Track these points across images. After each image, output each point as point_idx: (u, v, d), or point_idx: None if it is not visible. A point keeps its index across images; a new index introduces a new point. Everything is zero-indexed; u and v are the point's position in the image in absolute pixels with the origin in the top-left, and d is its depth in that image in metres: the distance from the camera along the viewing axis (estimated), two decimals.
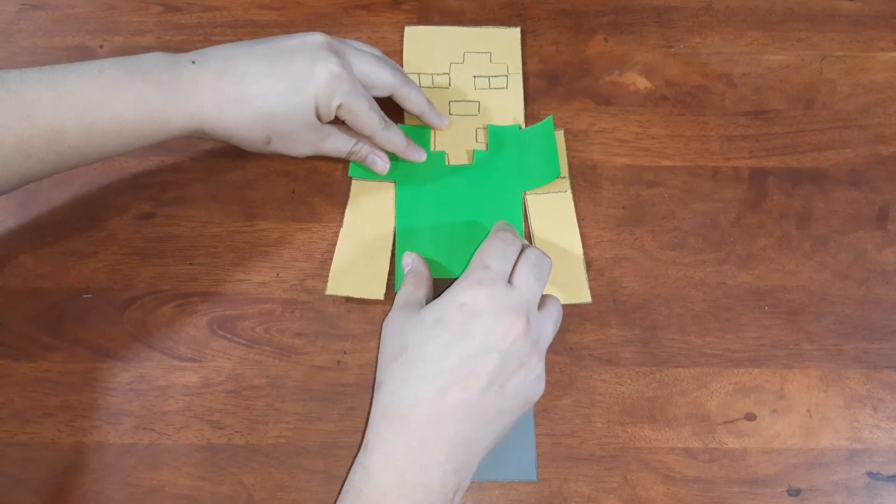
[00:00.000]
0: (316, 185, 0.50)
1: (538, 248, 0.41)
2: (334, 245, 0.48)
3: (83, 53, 0.54)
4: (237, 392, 0.44)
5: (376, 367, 0.40)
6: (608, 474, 0.43)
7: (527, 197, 0.49)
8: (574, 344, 0.46)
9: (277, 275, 0.47)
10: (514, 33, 0.55)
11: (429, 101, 0.50)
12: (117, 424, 0.44)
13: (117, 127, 0.41)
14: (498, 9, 0.56)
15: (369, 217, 0.49)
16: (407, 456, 0.35)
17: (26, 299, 0.46)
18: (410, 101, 0.49)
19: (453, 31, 0.55)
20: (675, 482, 0.43)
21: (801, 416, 0.45)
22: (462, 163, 0.51)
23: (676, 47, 0.55)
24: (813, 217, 0.50)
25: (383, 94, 0.47)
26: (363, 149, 0.48)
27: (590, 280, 0.47)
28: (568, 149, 0.51)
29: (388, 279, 0.47)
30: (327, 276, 0.46)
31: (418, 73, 0.53)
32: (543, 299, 0.41)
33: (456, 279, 0.40)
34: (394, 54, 0.53)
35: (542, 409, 0.44)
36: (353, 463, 0.37)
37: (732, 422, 0.44)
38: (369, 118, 0.45)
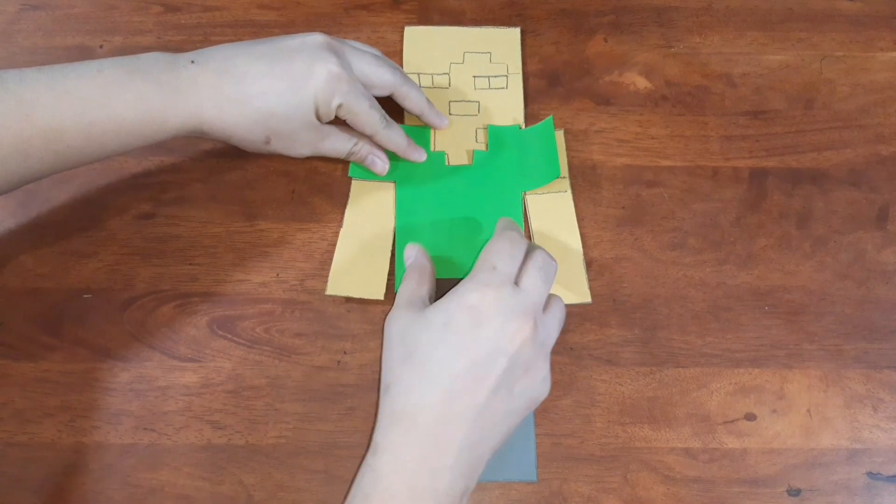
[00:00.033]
0: (316, 185, 0.50)
1: (544, 250, 0.41)
2: (334, 245, 0.48)
3: (83, 53, 0.54)
4: (237, 392, 0.44)
5: (381, 367, 0.40)
6: (608, 474, 0.43)
7: (527, 197, 0.49)
8: (574, 344, 0.46)
9: (277, 275, 0.47)
10: (514, 33, 0.55)
11: (428, 100, 0.50)
12: (117, 424, 0.44)
13: (116, 126, 0.41)
14: (498, 9, 0.56)
15: (369, 217, 0.49)
16: (416, 459, 0.35)
17: (26, 299, 0.46)
18: (410, 100, 0.49)
19: (453, 31, 0.55)
20: (675, 482, 0.43)
21: (801, 416, 0.45)
22: (462, 163, 0.51)
23: (676, 47, 0.55)
24: (813, 217, 0.50)
25: (383, 93, 0.47)
26: (363, 149, 0.48)
27: (590, 280, 0.47)
28: (568, 149, 0.51)
29: (388, 279, 0.47)
30: (327, 276, 0.46)
31: (418, 73, 0.53)
32: (547, 299, 0.41)
33: (455, 278, 0.40)
34: (394, 54, 0.53)
35: (542, 409, 0.44)
36: (360, 465, 0.37)
37: (732, 422, 0.44)
38: (370, 117, 0.45)
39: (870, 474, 0.43)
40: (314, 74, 0.43)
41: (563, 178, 0.50)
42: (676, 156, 0.51)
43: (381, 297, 0.46)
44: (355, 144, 0.47)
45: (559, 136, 0.51)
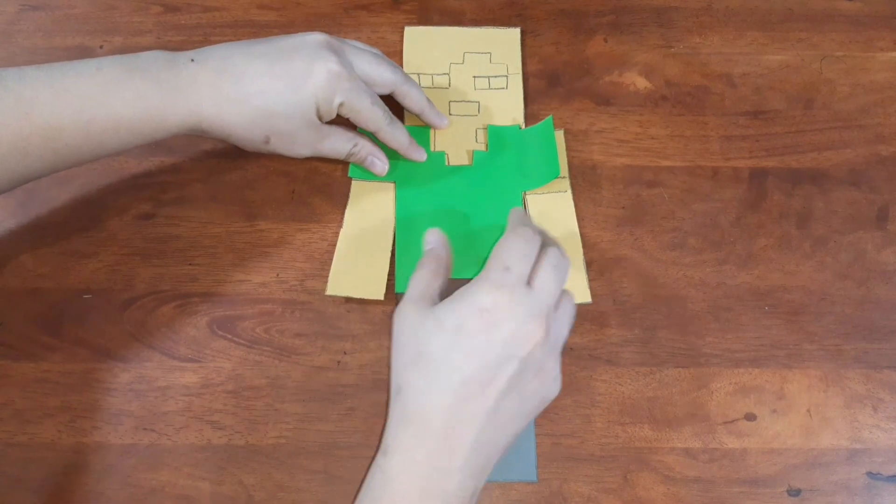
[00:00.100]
0: (316, 186, 0.50)
1: (558, 246, 0.40)
2: (334, 245, 0.48)
3: (83, 54, 0.54)
4: (237, 392, 0.44)
5: (390, 363, 0.39)
6: (608, 474, 0.43)
7: (527, 197, 0.49)
8: (574, 344, 0.46)
9: (277, 275, 0.47)
10: (513, 34, 0.55)
11: (428, 99, 0.50)
12: (117, 425, 0.44)
13: (115, 124, 0.41)
14: (498, 9, 0.56)
15: (369, 217, 0.49)
16: (427, 462, 0.35)
17: (26, 299, 0.46)
18: (411, 98, 0.49)
19: (453, 32, 0.55)
20: (675, 482, 0.43)
21: (801, 416, 0.45)
22: (462, 163, 0.51)
23: (676, 47, 0.55)
24: (813, 217, 0.50)
25: (384, 91, 0.47)
26: (362, 150, 0.48)
27: (590, 280, 0.47)
28: (568, 149, 0.51)
29: (388, 279, 0.47)
30: (327, 276, 0.46)
31: (418, 74, 0.53)
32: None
33: (455, 279, 0.40)
34: (394, 54, 0.53)
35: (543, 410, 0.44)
36: (369, 466, 0.37)
37: (732, 422, 0.44)
38: (373, 114, 0.45)
39: (870, 474, 0.43)
40: (314, 73, 0.43)
41: (563, 178, 0.50)
42: (676, 156, 0.51)
43: (381, 298, 0.46)
44: (355, 145, 0.47)
45: (559, 136, 0.51)
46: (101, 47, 0.54)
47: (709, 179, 0.51)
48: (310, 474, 0.43)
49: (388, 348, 0.45)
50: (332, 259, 0.47)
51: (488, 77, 0.53)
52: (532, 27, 0.55)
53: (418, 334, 0.37)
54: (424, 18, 0.56)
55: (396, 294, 0.47)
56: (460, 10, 0.56)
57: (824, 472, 0.43)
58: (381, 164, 0.49)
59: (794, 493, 0.43)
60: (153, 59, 0.42)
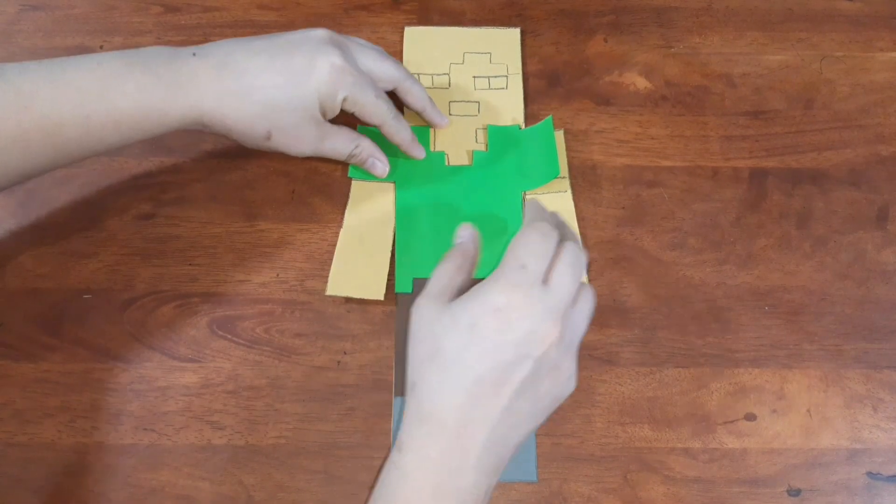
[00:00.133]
0: (316, 186, 0.50)
1: (575, 241, 0.39)
2: (334, 245, 0.48)
3: (83, 54, 0.54)
4: (237, 392, 0.44)
5: (406, 356, 0.38)
6: (608, 474, 0.43)
7: (526, 197, 0.49)
8: None
9: (277, 275, 0.47)
10: (513, 34, 0.55)
11: (430, 97, 0.50)
12: (117, 425, 0.44)
13: (115, 119, 0.41)
14: (498, 9, 0.56)
15: (369, 217, 0.49)
16: (442, 459, 0.35)
17: (26, 299, 0.46)
18: (413, 95, 0.48)
19: (453, 32, 0.55)
20: (675, 482, 0.43)
21: (801, 416, 0.45)
22: (462, 163, 0.51)
23: (676, 47, 0.55)
24: (813, 217, 0.50)
25: (386, 87, 0.47)
26: (363, 152, 0.48)
27: (590, 280, 0.47)
28: (568, 149, 0.51)
29: (388, 279, 0.46)
30: (327, 276, 0.46)
31: (418, 74, 0.53)
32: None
33: None
34: (394, 55, 0.53)
35: None
36: (383, 463, 0.37)
37: (732, 422, 0.44)
38: (377, 107, 0.45)
39: (870, 474, 0.43)
40: (316, 68, 0.42)
41: (563, 178, 0.50)
42: (676, 156, 0.51)
43: (381, 298, 0.46)
44: (357, 147, 0.47)
45: (559, 136, 0.51)
46: (101, 47, 0.54)
47: (709, 179, 0.51)
48: (310, 474, 0.43)
49: (389, 348, 0.45)
50: (332, 259, 0.47)
51: (488, 77, 0.53)
52: (532, 27, 0.55)
53: (434, 331, 0.37)
54: (424, 18, 0.56)
55: (396, 294, 0.47)
56: (460, 10, 0.56)
57: (824, 472, 0.43)
58: (381, 165, 0.49)
59: (794, 493, 0.43)
60: (155, 54, 0.42)
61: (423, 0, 0.56)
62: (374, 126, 0.47)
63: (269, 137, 0.44)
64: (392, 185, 0.50)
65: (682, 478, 0.43)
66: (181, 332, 0.46)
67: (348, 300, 0.47)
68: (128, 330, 0.46)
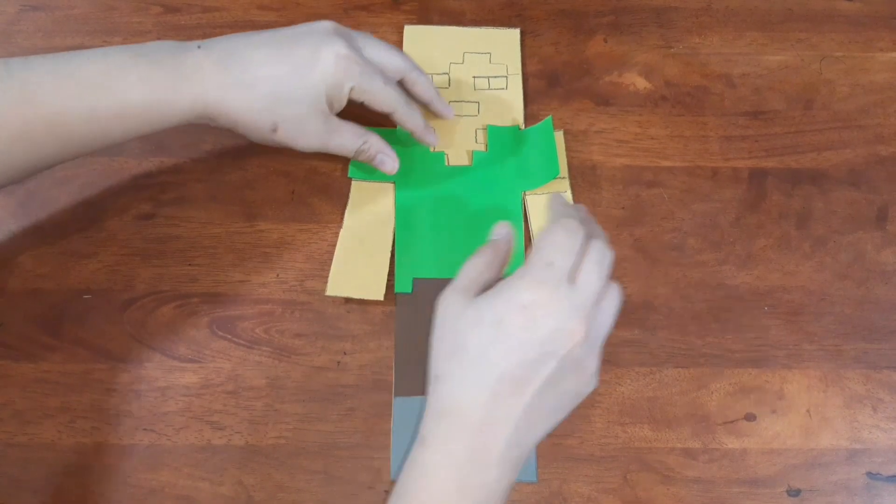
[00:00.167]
0: (316, 186, 0.50)
1: (602, 239, 0.38)
2: (334, 245, 0.48)
3: None
4: (237, 393, 0.44)
5: (429, 349, 0.38)
6: (608, 474, 0.43)
7: (527, 197, 0.49)
8: None
9: (277, 275, 0.47)
10: (513, 34, 0.55)
11: (436, 89, 0.49)
12: (117, 425, 0.44)
13: (120, 111, 0.40)
14: (498, 9, 0.56)
15: (369, 218, 0.49)
16: (463, 454, 0.35)
17: (26, 300, 0.46)
18: (420, 86, 0.48)
19: (453, 32, 0.55)
20: (675, 482, 0.43)
21: (800, 416, 0.45)
22: (462, 163, 0.51)
23: (676, 48, 0.55)
24: (812, 217, 0.50)
25: (393, 77, 0.47)
26: (372, 147, 0.47)
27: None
28: (567, 149, 0.51)
29: (388, 279, 0.46)
30: (327, 276, 0.46)
31: None
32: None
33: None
34: None
35: None
36: (405, 457, 0.37)
37: (732, 422, 0.44)
38: (386, 94, 0.45)
39: (869, 474, 0.43)
40: (321, 59, 0.42)
41: (563, 178, 0.50)
42: (676, 156, 0.51)
43: (381, 298, 0.46)
44: (364, 142, 0.46)
45: (559, 136, 0.51)
46: None
47: (708, 180, 0.51)
48: (310, 474, 0.43)
49: (389, 348, 0.45)
50: (331, 259, 0.47)
51: (488, 77, 0.53)
52: (532, 27, 0.55)
53: (458, 325, 0.36)
54: (424, 18, 0.56)
55: (396, 294, 0.47)
56: (460, 10, 0.56)
57: (824, 472, 0.43)
58: (391, 162, 0.48)
59: (794, 493, 0.43)
60: (159, 47, 0.42)
61: (423, 0, 0.56)
62: (386, 113, 0.46)
63: (275, 130, 0.43)
64: (392, 186, 0.50)
65: (682, 478, 0.43)
66: (181, 332, 0.46)
67: (348, 300, 0.47)
68: (128, 330, 0.46)
